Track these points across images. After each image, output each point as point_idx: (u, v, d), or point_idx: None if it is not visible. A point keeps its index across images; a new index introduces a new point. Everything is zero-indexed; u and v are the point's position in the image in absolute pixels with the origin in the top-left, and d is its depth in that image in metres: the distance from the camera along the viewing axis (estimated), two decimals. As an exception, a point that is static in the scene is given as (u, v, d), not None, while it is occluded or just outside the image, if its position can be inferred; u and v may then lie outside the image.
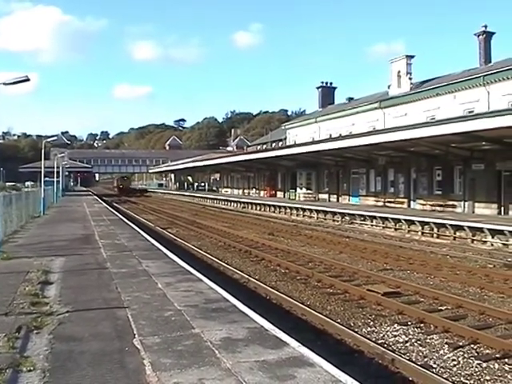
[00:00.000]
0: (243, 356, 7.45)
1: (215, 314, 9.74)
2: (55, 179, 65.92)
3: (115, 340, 8.33)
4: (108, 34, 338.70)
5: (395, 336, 12.37)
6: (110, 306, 10.52)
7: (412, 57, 57.43)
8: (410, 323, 13.35)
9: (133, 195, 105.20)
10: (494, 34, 52.19)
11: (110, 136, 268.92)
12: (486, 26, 51.53)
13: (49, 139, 70.61)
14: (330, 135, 60.04)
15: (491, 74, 43.73)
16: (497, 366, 10.45)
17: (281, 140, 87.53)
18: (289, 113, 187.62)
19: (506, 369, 10.29)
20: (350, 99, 75.15)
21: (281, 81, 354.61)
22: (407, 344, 11.80)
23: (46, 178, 55.65)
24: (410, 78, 56.16)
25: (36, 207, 39.75)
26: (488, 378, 9.86)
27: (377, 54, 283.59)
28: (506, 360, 10.71)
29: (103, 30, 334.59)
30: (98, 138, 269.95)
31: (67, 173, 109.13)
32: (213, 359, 7.34)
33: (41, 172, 47.62)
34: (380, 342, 11.84)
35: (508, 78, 41.73)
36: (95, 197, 79.70)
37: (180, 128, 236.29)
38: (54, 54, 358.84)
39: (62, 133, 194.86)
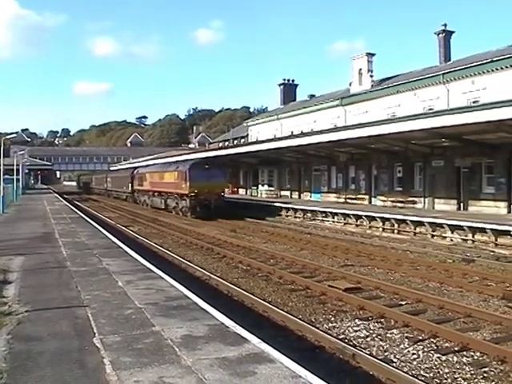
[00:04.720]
0: (204, 353, 7.45)
1: (176, 312, 9.72)
2: (15, 177, 65.07)
3: (75, 339, 8.26)
4: (67, 29, 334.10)
5: (356, 331, 12.48)
6: (69, 304, 10.43)
7: (373, 54, 57.94)
8: (370, 318, 13.48)
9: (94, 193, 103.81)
10: (453, 32, 52.88)
11: (71, 133, 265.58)
12: (445, 25, 52.17)
13: (8, 136, 69.55)
14: (292, 132, 60.23)
15: (451, 72, 44.32)
16: (456, 358, 10.63)
17: (243, 137, 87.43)
18: (251, 110, 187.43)
19: (465, 361, 10.47)
20: (312, 96, 75.38)
21: (243, 78, 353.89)
22: (368, 339, 11.92)
23: (6, 176, 54.88)
24: (371, 76, 56.61)
25: (-5, 206, 39.24)
26: (447, 370, 10.02)
27: (338, 51, 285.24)
28: (465, 353, 10.91)
29: (62, 25, 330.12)
30: (58, 135, 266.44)
31: (27, 170, 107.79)
32: (173, 357, 7.33)
33: (0, 170, 46.88)
34: (341, 337, 11.93)
35: (467, 76, 42.33)
36: (56, 195, 78.73)
37: (142, 125, 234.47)
38: (9, 48, 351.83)
39: (22, 130, 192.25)
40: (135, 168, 72.18)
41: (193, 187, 43.40)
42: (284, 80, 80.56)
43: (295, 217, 44.49)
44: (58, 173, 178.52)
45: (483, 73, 40.81)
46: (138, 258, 16.71)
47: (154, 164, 71.06)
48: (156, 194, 55.52)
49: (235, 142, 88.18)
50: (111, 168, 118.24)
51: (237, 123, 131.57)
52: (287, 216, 45.50)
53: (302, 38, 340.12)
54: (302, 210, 44.05)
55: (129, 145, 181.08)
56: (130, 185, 69.39)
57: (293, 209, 45.42)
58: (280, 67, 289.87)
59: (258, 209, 48.35)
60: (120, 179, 78.57)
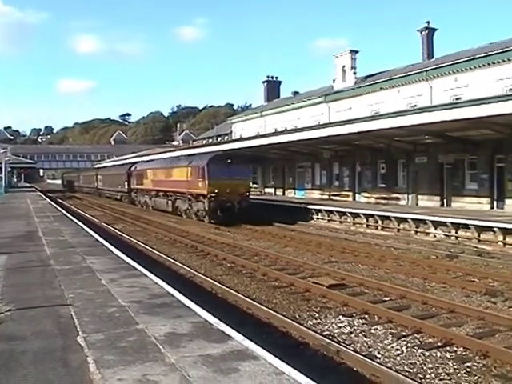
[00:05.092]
0: (187, 351, 7.44)
1: (160, 310, 9.69)
2: (-3, 175, 64.63)
3: (58, 338, 8.22)
4: (50, 27, 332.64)
5: (340, 327, 12.53)
6: (53, 303, 10.37)
7: (356, 52, 58.07)
8: (354, 314, 13.55)
9: (78, 191, 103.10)
10: (436, 30, 53.29)
11: (55, 131, 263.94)
12: (428, 22, 52.57)
13: (-10, 135, 69.09)
14: (276, 129, 60.26)
15: (433, 69, 44.53)
16: (439, 354, 10.71)
17: (226, 134, 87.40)
18: (235, 107, 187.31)
19: (448, 356, 10.55)
20: (296, 93, 75.52)
21: (227, 75, 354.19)
22: (352, 335, 11.97)
23: (-12, 175, 54.48)
24: (355, 73, 56.79)
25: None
26: (430, 365, 10.08)
27: (321, 48, 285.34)
28: (448, 348, 10.99)
29: (45, 23, 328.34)
30: (41, 133, 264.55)
31: (10, 169, 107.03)
32: (157, 355, 7.31)
33: (-18, 168, 46.54)
34: (325, 333, 11.97)
35: (450, 74, 42.54)
36: (39, 193, 78.30)
37: (125, 123, 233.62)
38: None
39: (5, 128, 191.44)
40: (133, 164, 64.73)
41: (212, 186, 36.17)
42: (268, 77, 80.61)
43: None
44: (41, 171, 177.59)
45: (466, 70, 41.03)
46: (122, 256, 16.65)
47: (158, 159, 61.25)
48: (161, 194, 47.85)
49: (219, 139, 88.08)
50: (96, 165, 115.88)
51: (221, 120, 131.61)
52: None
53: (285, 36, 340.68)
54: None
55: (112, 142, 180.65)
56: (125, 183, 62.34)
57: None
58: (264, 64, 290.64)
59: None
60: (113, 177, 71.09)
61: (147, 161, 63.48)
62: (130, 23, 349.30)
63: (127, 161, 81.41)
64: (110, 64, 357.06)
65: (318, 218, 39.62)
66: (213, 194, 36.20)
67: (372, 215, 34.23)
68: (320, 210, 39.62)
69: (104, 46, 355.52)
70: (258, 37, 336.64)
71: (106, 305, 10.16)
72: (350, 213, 36.06)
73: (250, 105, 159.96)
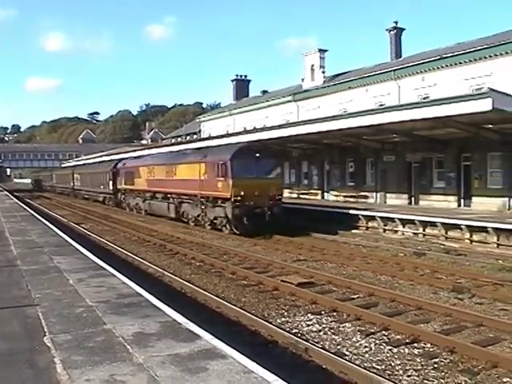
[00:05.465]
0: (155, 350, 7.40)
1: (127, 309, 9.63)
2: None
3: (25, 339, 8.13)
4: (18, 24, 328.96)
5: (309, 325, 12.57)
6: (19, 304, 10.26)
7: (325, 51, 58.34)
8: (323, 312, 13.63)
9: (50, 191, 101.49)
10: (404, 29, 53.78)
11: (22, 129, 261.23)
12: (396, 22, 53.01)
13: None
14: (245, 128, 60.26)
15: (401, 68, 44.87)
16: (407, 350, 10.81)
17: (195, 133, 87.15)
18: (204, 106, 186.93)
19: (416, 353, 10.65)
20: (265, 92, 75.60)
21: (196, 74, 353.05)
22: (321, 333, 12.01)
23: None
24: (323, 72, 57.00)
25: None
26: (398, 362, 10.16)
27: (291, 47, 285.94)
28: (416, 344, 11.10)
29: (12, 20, 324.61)
30: (8, 131, 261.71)
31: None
32: (125, 355, 7.26)
33: None
34: (294, 331, 12.00)
35: (417, 73, 42.89)
36: (6, 193, 77.42)
37: (94, 121, 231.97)
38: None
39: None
40: (119, 160, 57.27)
41: (238, 187, 28.80)
42: (237, 76, 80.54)
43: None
44: (8, 170, 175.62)
45: (433, 70, 41.40)
46: (90, 256, 16.53)
47: (155, 154, 52.53)
48: (159, 196, 40.39)
49: (187, 137, 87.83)
50: (62, 165, 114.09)
51: (189, 119, 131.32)
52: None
53: (254, 34, 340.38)
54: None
55: (80, 141, 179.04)
56: (110, 183, 54.82)
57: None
58: (233, 63, 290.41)
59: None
60: (94, 176, 62.95)
61: (138, 156, 55.01)
62: (98, 21, 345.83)
63: (112, 157, 70.64)
64: (78, 62, 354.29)
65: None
66: (238, 198, 28.88)
67: (341, 213, 34.26)
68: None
69: (71, 43, 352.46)
70: (227, 35, 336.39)
71: (74, 305, 10.07)
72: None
73: (219, 103, 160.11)
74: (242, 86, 79.91)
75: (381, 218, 31.03)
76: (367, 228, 31.84)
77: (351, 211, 33.30)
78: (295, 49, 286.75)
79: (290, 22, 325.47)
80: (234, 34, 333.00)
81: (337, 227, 31.10)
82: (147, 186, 42.94)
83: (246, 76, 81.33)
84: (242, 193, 28.82)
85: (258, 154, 29.91)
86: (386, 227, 30.70)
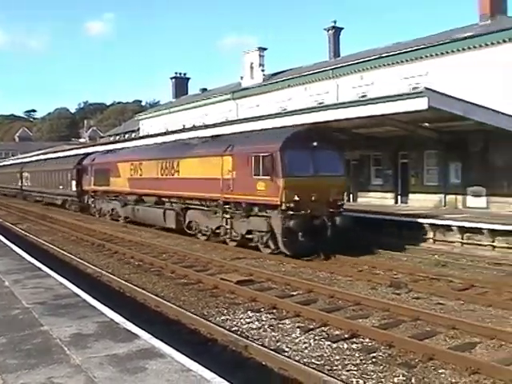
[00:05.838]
0: (93, 351, 7.32)
1: (65, 311, 9.50)
2: None
3: (-42, 343, 7.95)
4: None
5: (249, 323, 12.57)
6: (-48, 307, 10.02)
7: (265, 49, 58.47)
8: (262, 309, 13.65)
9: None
10: (342, 29, 54.28)
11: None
12: (335, 22, 53.46)
13: None
14: (184, 126, 60.00)
15: (340, 67, 45.32)
16: (346, 345, 10.91)
17: (134, 131, 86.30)
18: (143, 103, 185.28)
19: (354, 348, 10.77)
20: (204, 90, 75.46)
21: (135, 71, 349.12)
22: (260, 330, 12.03)
23: None
24: (263, 70, 57.14)
25: None
26: (338, 357, 10.24)
27: (230, 45, 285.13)
28: (355, 339, 11.23)
29: None
30: None
31: None
32: (62, 356, 7.16)
33: None
34: (234, 329, 11.99)
35: (355, 72, 43.38)
36: None
37: (30, 119, 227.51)
38: None
39: None
40: (85, 155, 46.53)
41: (291, 189, 20.78)
42: (176, 73, 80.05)
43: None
44: None
45: (371, 68, 41.96)
46: (26, 257, 16.26)
47: (141, 146, 41.24)
48: (150, 200, 31.69)
49: (126, 136, 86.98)
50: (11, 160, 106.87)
51: (129, 117, 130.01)
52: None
53: (194, 32, 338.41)
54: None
55: (17, 139, 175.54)
56: (73, 183, 45.41)
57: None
58: (173, 61, 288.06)
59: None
60: (50, 174, 53.50)
61: (114, 150, 43.83)
62: (35, 16, 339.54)
63: (76, 151, 56.54)
64: (14, 58, 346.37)
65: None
66: (291, 204, 20.71)
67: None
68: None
69: (8, 39, 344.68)
70: (166, 33, 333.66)
71: (10, 307, 9.88)
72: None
73: (159, 101, 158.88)
74: (181, 84, 79.55)
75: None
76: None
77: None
78: (235, 47, 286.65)
79: (230, 20, 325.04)
80: (174, 31, 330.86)
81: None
82: (130, 186, 34.23)
83: (185, 74, 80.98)
84: (297, 197, 20.71)
85: (315, 143, 21.96)
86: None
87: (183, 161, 27.97)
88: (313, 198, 20.99)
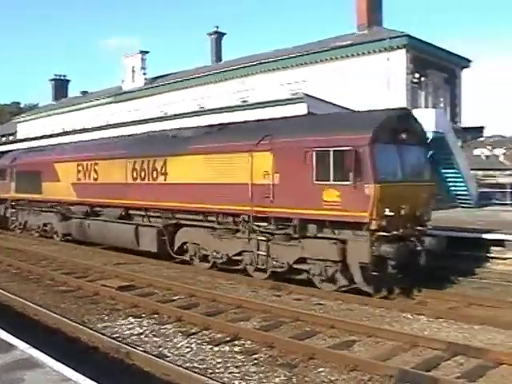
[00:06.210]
0: (-33, 364, 7.07)
1: None
2: None
3: None
4: None
5: (130, 329, 12.44)
6: None
7: (146, 52, 58.34)
8: (144, 315, 13.57)
9: None
10: (224, 34, 55.22)
11: None
12: (217, 27, 54.20)
13: None
14: (63, 129, 58.73)
15: (221, 72, 45.88)
16: (227, 348, 11.01)
17: (11, 134, 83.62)
18: (22, 106, 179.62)
19: (236, 350, 10.88)
20: (85, 93, 74.39)
21: (13, 72, 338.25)
22: (142, 336, 11.93)
23: None
24: (145, 74, 57.04)
25: None
26: (220, 360, 10.31)
27: (112, 48, 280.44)
28: (236, 342, 11.33)
29: None
30: None
31: None
32: None
33: None
34: (115, 336, 11.84)
35: (237, 77, 44.07)
36: None
37: None
38: None
39: None
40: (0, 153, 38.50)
41: (385, 200, 14.14)
42: (55, 75, 78.50)
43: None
44: None
45: (252, 74, 42.76)
46: None
47: (98, 140, 31.85)
48: (110, 213, 24.01)
49: (3, 139, 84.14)
50: None
51: (6, 119, 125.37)
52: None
53: (74, 33, 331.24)
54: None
55: None
56: None
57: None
58: (53, 63, 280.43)
59: None
60: None
61: (47, 146, 35.41)
62: None
63: None
64: None
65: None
66: (382, 222, 14.25)
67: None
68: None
69: None
70: (48, 32, 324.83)
71: None
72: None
73: (38, 104, 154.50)
74: (61, 86, 78.07)
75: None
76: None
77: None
78: (117, 49, 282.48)
79: (112, 22, 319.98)
80: (55, 31, 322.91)
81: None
82: (77, 195, 26.29)
83: (65, 76, 79.40)
84: (390, 211, 14.28)
85: (404, 135, 15.44)
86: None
87: (174, 160, 20.37)
88: (402, 213, 14.85)
